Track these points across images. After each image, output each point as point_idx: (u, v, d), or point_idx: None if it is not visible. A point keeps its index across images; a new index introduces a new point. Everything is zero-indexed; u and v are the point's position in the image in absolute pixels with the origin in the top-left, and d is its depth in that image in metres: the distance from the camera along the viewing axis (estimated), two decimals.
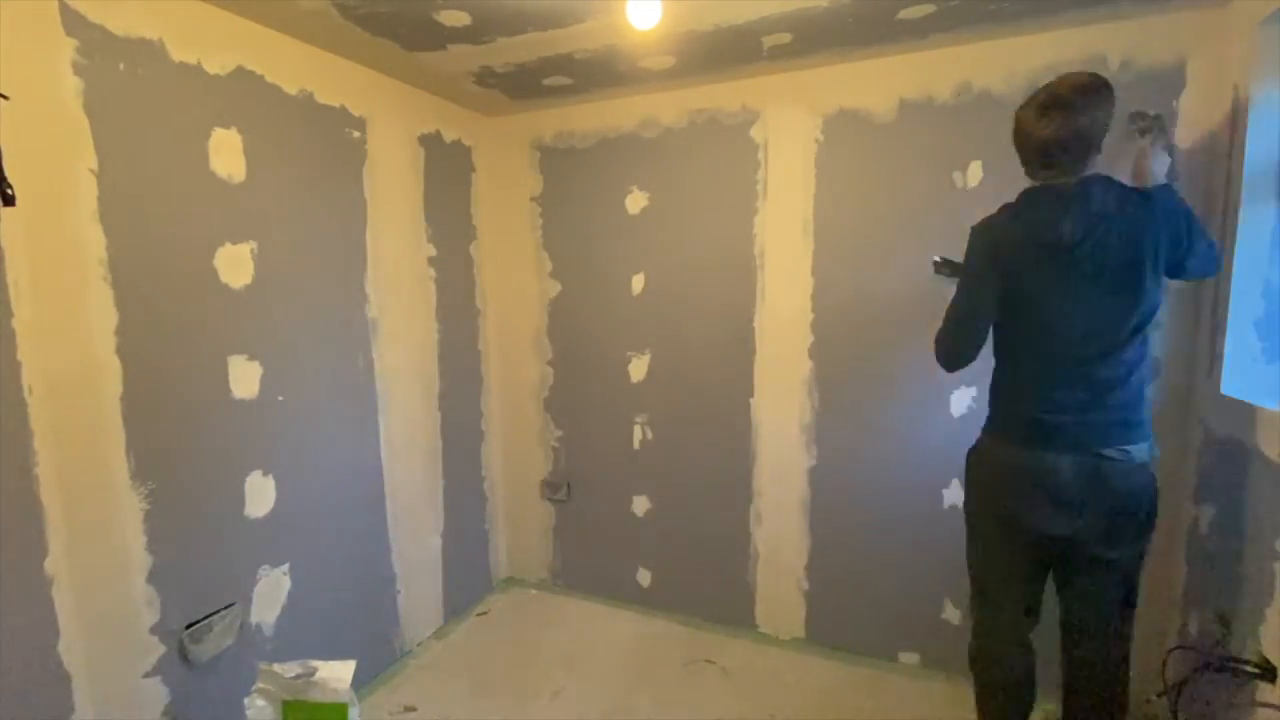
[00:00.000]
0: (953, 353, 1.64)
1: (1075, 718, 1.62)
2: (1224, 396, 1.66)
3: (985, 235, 1.53)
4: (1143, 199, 1.42)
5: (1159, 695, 1.73)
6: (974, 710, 1.76)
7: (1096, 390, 1.42)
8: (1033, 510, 1.49)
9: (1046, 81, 1.49)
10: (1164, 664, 1.74)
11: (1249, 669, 1.44)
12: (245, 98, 1.74)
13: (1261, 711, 1.41)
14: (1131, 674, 1.57)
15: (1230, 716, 1.54)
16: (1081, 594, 1.54)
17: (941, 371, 2.10)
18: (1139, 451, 1.43)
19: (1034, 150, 1.44)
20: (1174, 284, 1.82)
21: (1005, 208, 1.52)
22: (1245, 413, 1.56)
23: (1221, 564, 1.65)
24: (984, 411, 2.05)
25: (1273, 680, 1.38)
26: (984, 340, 1.61)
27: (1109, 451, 1.42)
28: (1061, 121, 1.39)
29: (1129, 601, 1.52)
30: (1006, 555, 1.58)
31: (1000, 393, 1.61)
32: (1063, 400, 1.45)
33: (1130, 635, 1.55)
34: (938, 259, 1.99)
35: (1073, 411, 1.44)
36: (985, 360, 2.07)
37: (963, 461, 2.11)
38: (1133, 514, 1.45)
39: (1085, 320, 1.42)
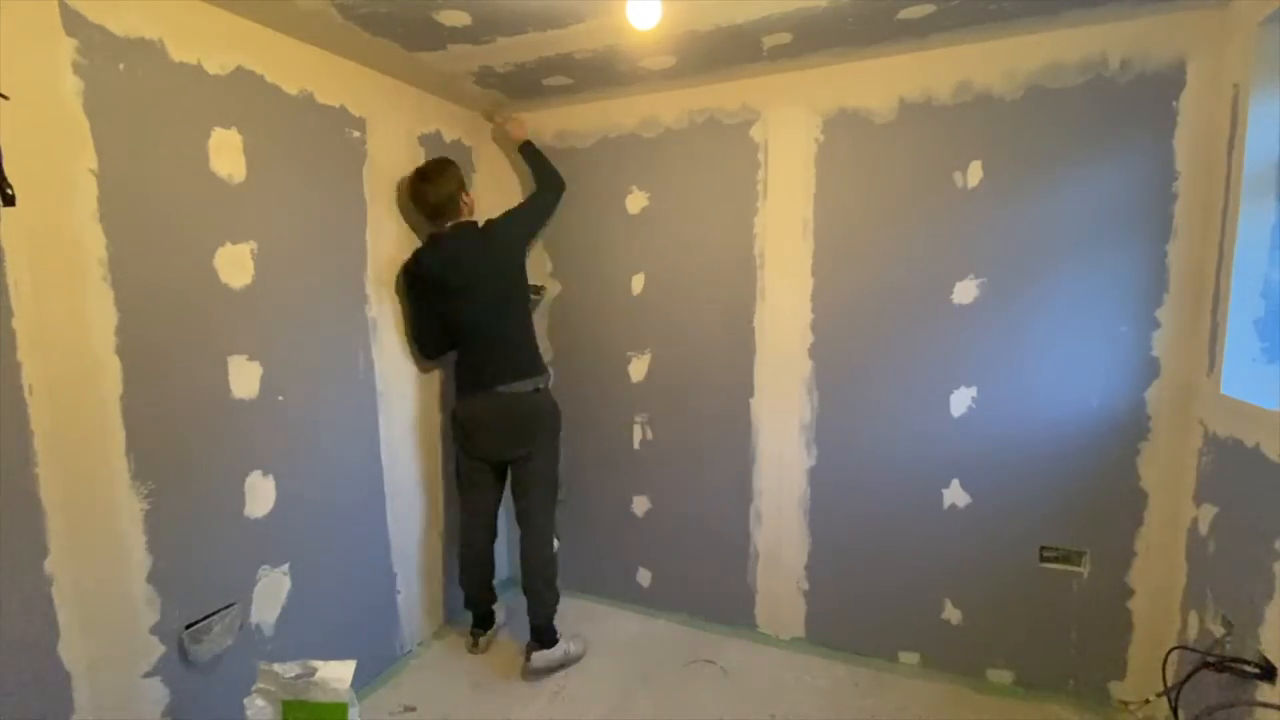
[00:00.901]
0: (422, 352, 2.39)
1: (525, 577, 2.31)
2: (1224, 396, 1.66)
3: (403, 273, 2.27)
4: (480, 230, 2.25)
5: (1159, 695, 1.73)
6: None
7: (492, 352, 2.24)
8: (472, 438, 2.29)
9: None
10: (1164, 664, 1.74)
11: (1249, 669, 1.44)
12: (245, 98, 1.74)
13: (1261, 711, 1.42)
14: (558, 552, 2.39)
15: (1230, 716, 1.54)
16: (514, 487, 2.35)
17: (942, 372, 2.12)
18: (522, 385, 2.24)
19: (427, 208, 2.21)
20: (1174, 284, 1.83)
21: (418, 250, 2.25)
22: (1245, 413, 1.56)
23: (1221, 564, 1.66)
24: (984, 411, 2.08)
25: (1273, 680, 1.39)
26: (440, 340, 2.33)
27: (500, 388, 2.22)
28: (437, 187, 2.19)
29: (547, 494, 2.32)
30: (470, 468, 2.35)
31: (457, 367, 2.34)
32: (476, 363, 2.26)
33: (548, 513, 2.33)
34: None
35: (481, 368, 2.25)
36: (985, 361, 2.08)
37: (963, 461, 2.14)
38: (521, 426, 2.25)
39: (473, 314, 2.21)
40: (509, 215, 2.32)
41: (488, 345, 2.23)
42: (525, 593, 2.28)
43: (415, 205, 2.23)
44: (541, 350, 2.76)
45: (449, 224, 2.22)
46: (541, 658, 2.24)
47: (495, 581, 2.48)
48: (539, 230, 2.50)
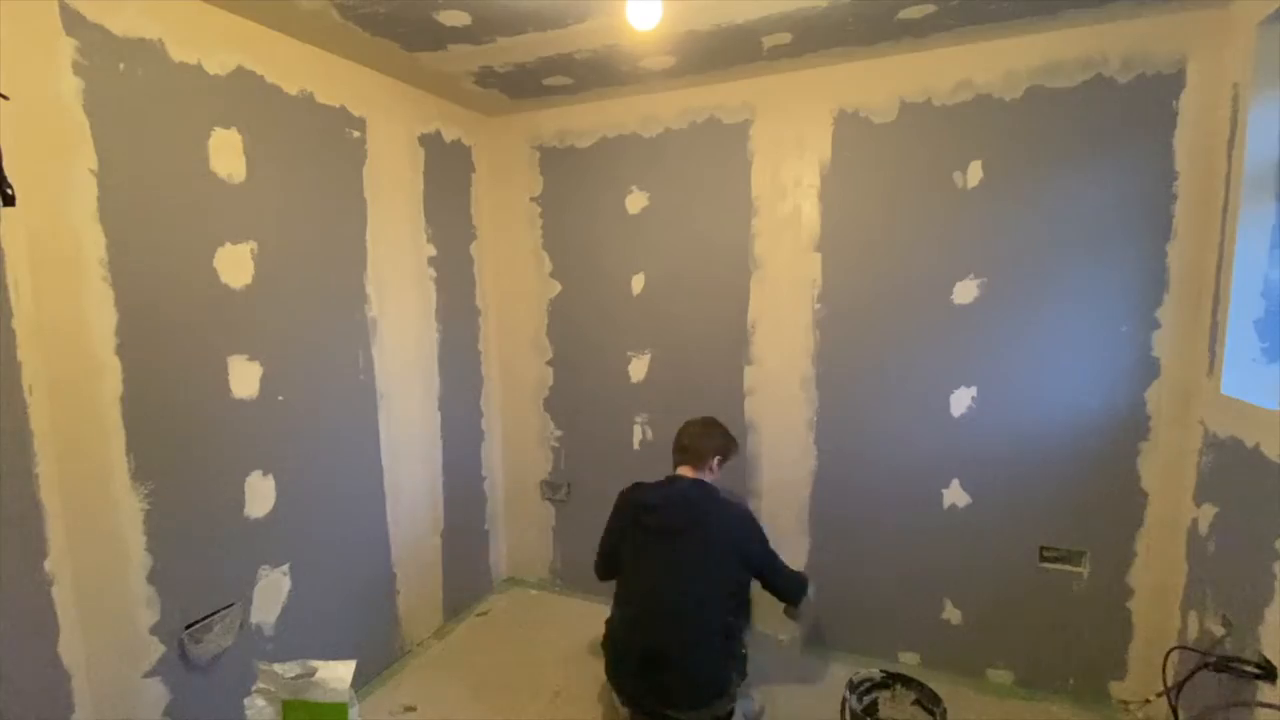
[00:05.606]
0: (595, 570, 2.17)
1: None
2: (1224, 396, 1.66)
3: (624, 494, 2.10)
4: (712, 494, 1.95)
5: (1159, 695, 1.73)
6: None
7: (665, 640, 1.78)
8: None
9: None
10: (1164, 664, 1.74)
11: (1249, 669, 1.44)
12: (245, 98, 1.74)
13: (1261, 712, 1.42)
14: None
15: (1230, 716, 1.54)
16: None
17: (942, 372, 2.12)
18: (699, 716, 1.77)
19: (676, 444, 2.09)
20: (1174, 284, 1.84)
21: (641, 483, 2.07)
22: (1245, 413, 1.56)
23: (1221, 564, 1.66)
24: (984, 411, 2.08)
25: (1273, 680, 1.39)
26: (610, 570, 2.09)
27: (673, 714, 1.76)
28: (700, 434, 2.07)
29: None
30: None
31: (612, 622, 1.96)
32: (639, 643, 1.83)
33: None
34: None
35: (646, 661, 1.80)
36: (985, 361, 2.08)
37: (963, 461, 2.13)
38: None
39: (658, 571, 1.88)
40: (759, 536, 1.96)
41: (664, 625, 1.79)
42: None
43: (675, 440, 2.10)
44: (541, 350, 2.78)
45: (685, 469, 2.02)
46: None
47: (493, 580, 2.40)
48: (757, 578, 1.97)
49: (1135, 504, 1.94)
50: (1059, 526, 2.03)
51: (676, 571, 1.84)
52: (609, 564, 2.07)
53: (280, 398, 1.87)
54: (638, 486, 2.05)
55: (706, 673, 1.78)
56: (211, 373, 1.69)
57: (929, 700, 1.88)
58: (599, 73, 2.20)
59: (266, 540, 1.85)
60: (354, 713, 1.55)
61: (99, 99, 1.42)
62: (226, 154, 1.70)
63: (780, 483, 2.41)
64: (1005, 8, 1.74)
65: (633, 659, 1.83)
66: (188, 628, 1.64)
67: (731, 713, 1.85)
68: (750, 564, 1.92)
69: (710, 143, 2.36)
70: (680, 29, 1.84)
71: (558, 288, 2.71)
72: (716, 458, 2.04)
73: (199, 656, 1.66)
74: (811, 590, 2.08)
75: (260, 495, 1.82)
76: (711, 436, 2.06)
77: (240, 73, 1.73)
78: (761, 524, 2.02)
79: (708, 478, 2.02)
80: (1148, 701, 1.91)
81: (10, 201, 1.21)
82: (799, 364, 2.32)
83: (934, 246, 2.08)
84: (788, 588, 2.00)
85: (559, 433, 2.80)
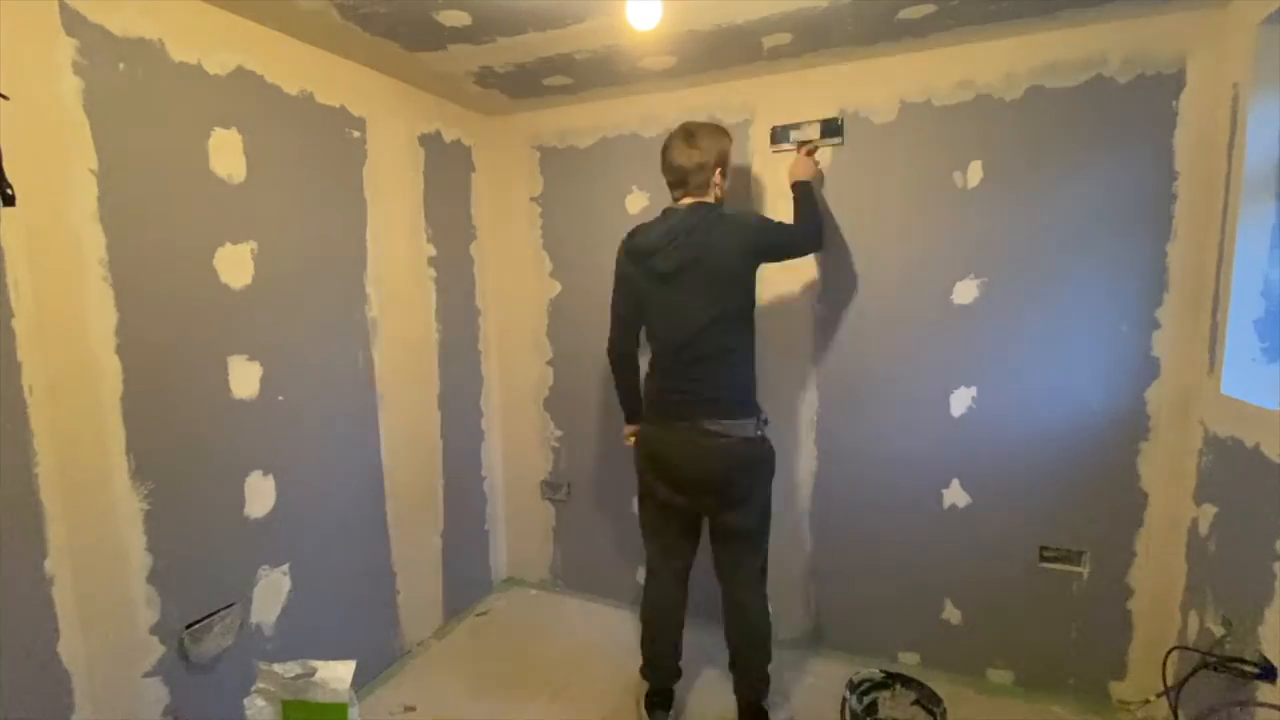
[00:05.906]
0: (609, 354, 2.01)
1: (735, 652, 1.90)
2: (1224, 396, 1.66)
3: (621, 245, 1.89)
4: (719, 215, 1.77)
5: (1159, 695, 1.73)
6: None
7: (691, 372, 1.77)
8: (659, 478, 1.86)
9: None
10: (1164, 664, 1.74)
11: (1249, 669, 1.44)
12: (245, 98, 1.74)
13: (1261, 711, 1.42)
14: (772, 616, 1.92)
15: (1230, 716, 1.54)
16: (718, 548, 1.89)
17: (942, 372, 2.12)
18: (736, 427, 1.74)
19: (667, 173, 1.83)
20: (1174, 283, 1.84)
21: (641, 224, 1.88)
22: (1245, 413, 1.56)
23: (1221, 564, 1.66)
24: (984, 411, 2.08)
25: (1273, 680, 1.39)
26: (636, 335, 1.96)
27: (708, 425, 1.73)
28: (685, 152, 1.78)
29: (754, 548, 1.86)
30: (656, 513, 1.93)
31: (646, 384, 1.93)
32: (671, 386, 1.81)
33: (757, 570, 1.87)
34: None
35: (676, 392, 1.80)
36: (985, 361, 2.08)
37: (963, 461, 2.13)
38: (725, 480, 1.77)
39: (676, 314, 1.78)
40: (765, 220, 1.86)
41: (689, 362, 1.77)
42: (731, 666, 1.91)
43: (662, 167, 1.84)
44: (541, 350, 2.78)
45: (686, 200, 1.81)
46: None
47: (493, 580, 2.44)
48: (777, 260, 1.90)
49: (1135, 504, 1.94)
50: (1059, 526, 2.03)
51: (684, 312, 1.75)
52: (623, 328, 1.95)
53: (280, 398, 1.87)
54: (634, 231, 1.88)
55: (727, 390, 1.77)
56: (211, 373, 1.69)
57: (929, 700, 1.88)
58: (599, 73, 2.20)
59: (266, 540, 1.85)
60: (354, 713, 1.55)
61: (99, 99, 1.42)
62: (226, 154, 1.70)
63: (780, 482, 2.40)
64: (1005, 8, 1.74)
65: (666, 409, 1.83)
66: (188, 628, 1.64)
67: (764, 432, 1.81)
68: (770, 252, 1.81)
69: None
70: (680, 29, 1.84)
71: (558, 288, 2.71)
72: (717, 171, 1.78)
73: (199, 656, 1.66)
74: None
75: (260, 495, 1.83)
76: (702, 150, 1.76)
77: (240, 73, 1.73)
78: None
79: (711, 198, 1.81)
80: (1148, 701, 1.91)
81: (10, 201, 1.21)
82: (799, 364, 2.31)
83: (934, 246, 2.08)
84: (804, 241, 1.88)
85: (559, 433, 2.81)
